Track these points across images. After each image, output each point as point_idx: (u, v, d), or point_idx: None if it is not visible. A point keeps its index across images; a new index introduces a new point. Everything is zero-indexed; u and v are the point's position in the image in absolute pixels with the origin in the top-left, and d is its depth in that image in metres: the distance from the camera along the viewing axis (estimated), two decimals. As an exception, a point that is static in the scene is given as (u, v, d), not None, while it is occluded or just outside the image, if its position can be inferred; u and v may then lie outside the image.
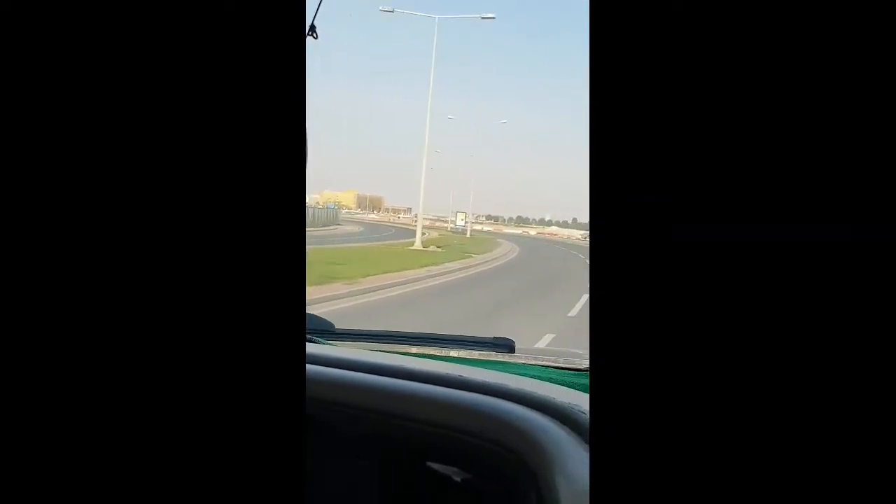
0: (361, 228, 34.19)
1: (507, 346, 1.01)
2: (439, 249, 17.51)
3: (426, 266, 11.19)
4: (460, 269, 12.07)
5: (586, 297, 8.77)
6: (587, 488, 0.48)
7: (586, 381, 0.85)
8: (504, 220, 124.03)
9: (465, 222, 41.58)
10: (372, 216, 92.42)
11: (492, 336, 1.03)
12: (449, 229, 45.49)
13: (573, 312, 7.36)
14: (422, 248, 17.25)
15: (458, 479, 0.57)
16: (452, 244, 21.69)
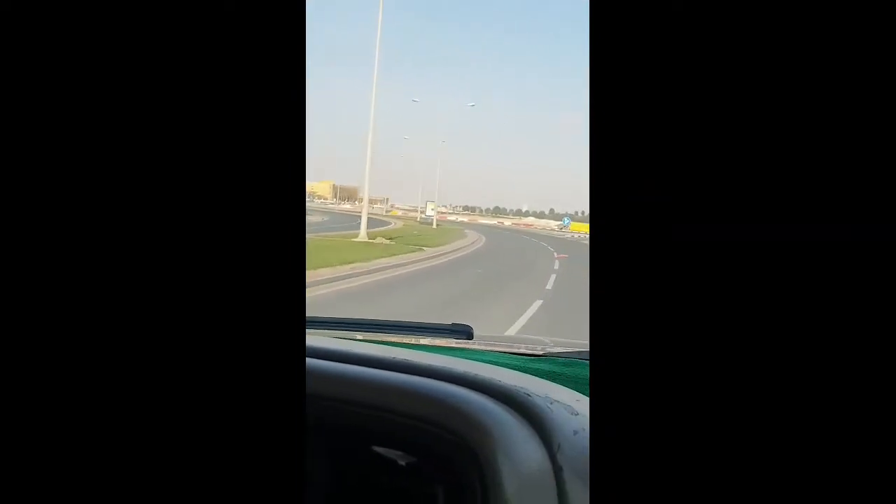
0: (326, 218, 32.53)
1: (466, 332, 0.99)
2: (387, 241, 15.53)
3: (350, 263, 9.15)
4: (396, 266, 10.08)
5: (538, 304, 6.84)
6: (529, 469, 0.50)
7: (541, 365, 0.89)
8: (481, 210, 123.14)
9: (434, 212, 39.85)
10: (346, 206, 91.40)
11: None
12: (419, 220, 44.20)
13: (507, 333, 5.36)
14: (366, 241, 15.20)
15: (402, 462, 0.55)
16: (407, 235, 19.73)
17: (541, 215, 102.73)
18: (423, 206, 44.42)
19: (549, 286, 9.17)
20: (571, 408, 0.58)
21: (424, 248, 14.18)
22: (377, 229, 22.44)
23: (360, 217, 17.61)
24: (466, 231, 30.27)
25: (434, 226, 33.34)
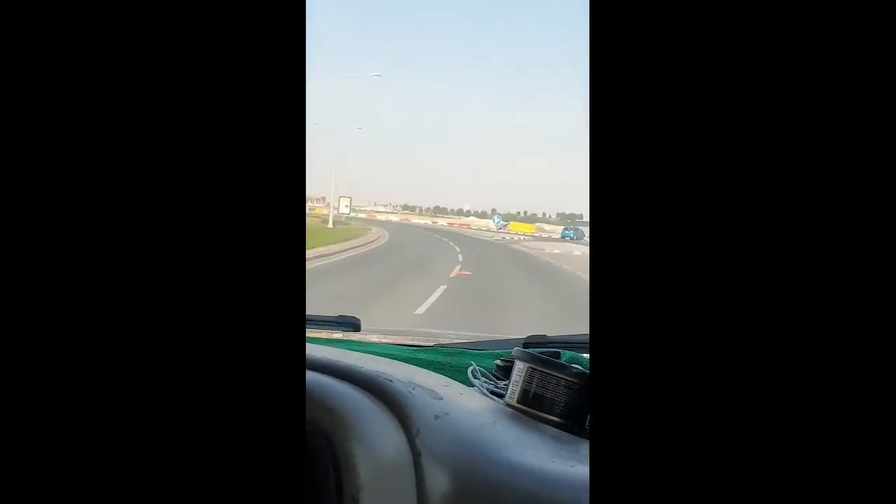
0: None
1: (353, 324, 1.00)
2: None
3: None
4: None
5: None
6: (385, 454, 0.51)
7: (427, 356, 0.88)
8: (421, 209, 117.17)
9: (348, 209, 33.87)
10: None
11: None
12: (328, 217, 38.45)
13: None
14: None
15: None
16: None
17: (482, 215, 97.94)
18: (338, 203, 38.30)
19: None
20: (435, 392, 0.59)
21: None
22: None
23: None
24: (372, 229, 24.38)
25: (330, 225, 27.53)
